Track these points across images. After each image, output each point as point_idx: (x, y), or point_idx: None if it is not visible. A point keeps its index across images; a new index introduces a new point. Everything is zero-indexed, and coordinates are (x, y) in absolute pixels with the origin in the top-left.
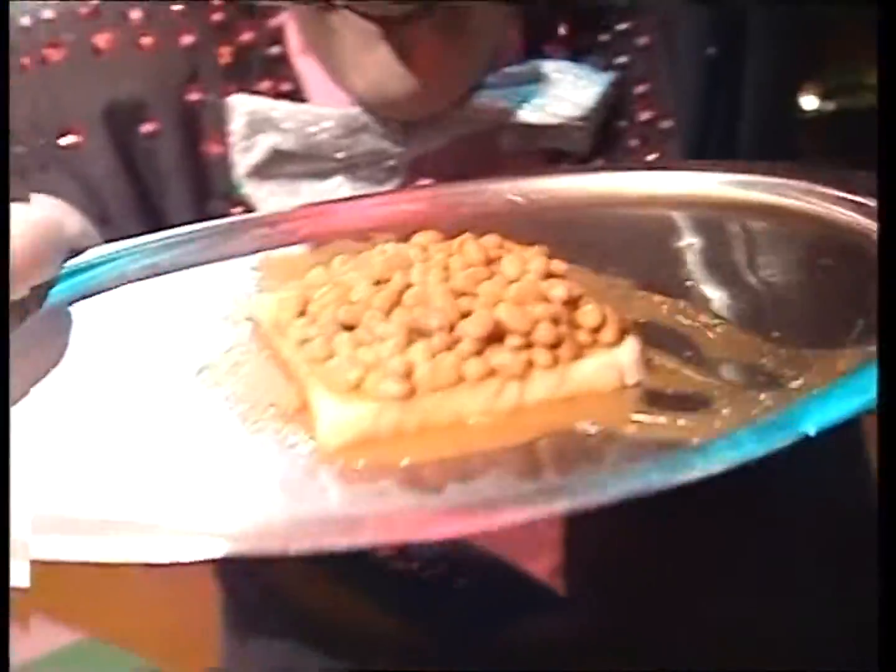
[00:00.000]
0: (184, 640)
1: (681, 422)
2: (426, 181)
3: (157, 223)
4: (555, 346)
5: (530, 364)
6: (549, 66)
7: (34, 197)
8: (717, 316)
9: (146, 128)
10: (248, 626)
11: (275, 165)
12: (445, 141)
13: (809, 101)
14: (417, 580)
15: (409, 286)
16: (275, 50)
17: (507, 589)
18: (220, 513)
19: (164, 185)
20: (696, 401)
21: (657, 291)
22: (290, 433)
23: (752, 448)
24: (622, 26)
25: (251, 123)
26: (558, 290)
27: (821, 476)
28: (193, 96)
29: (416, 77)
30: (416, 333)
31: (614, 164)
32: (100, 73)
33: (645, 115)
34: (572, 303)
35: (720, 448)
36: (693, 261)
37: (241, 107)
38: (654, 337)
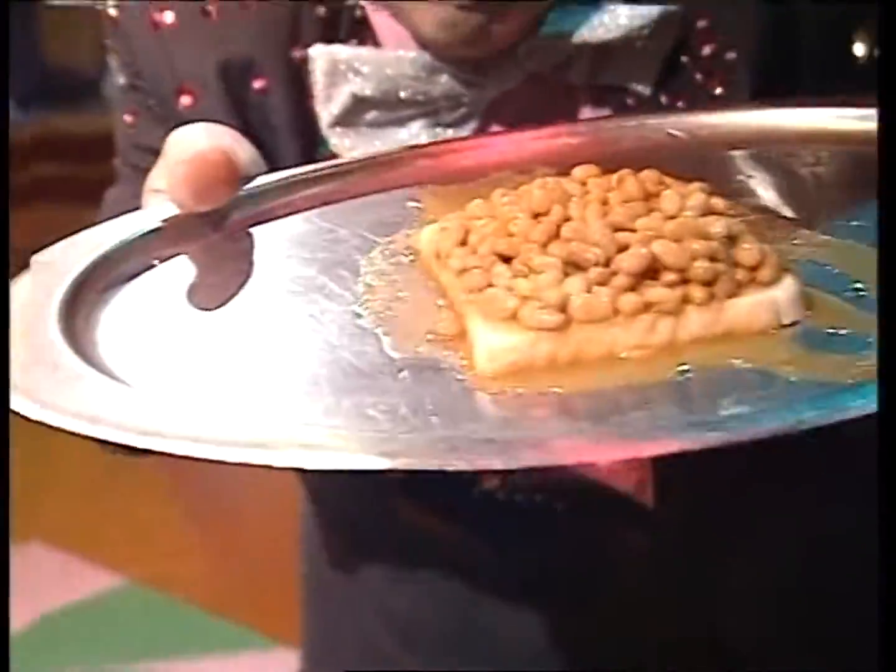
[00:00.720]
0: (224, 584)
1: (837, 360)
2: (500, 126)
3: None
4: (711, 283)
5: (685, 300)
6: None
7: (210, 126)
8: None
9: (257, 84)
10: (350, 552)
11: (355, 113)
12: (518, 80)
13: (860, 49)
14: (519, 508)
15: (567, 219)
16: (359, 12)
17: (601, 507)
18: (379, 431)
19: (277, 138)
20: (854, 340)
21: (820, 230)
22: (448, 359)
23: None
24: None
25: (331, 72)
26: (717, 226)
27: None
28: (298, 53)
29: (484, 12)
30: (572, 266)
31: (772, 100)
32: (210, 34)
33: (707, 50)
34: (731, 240)
35: (874, 389)
36: (851, 199)
37: (321, 56)
38: (814, 275)
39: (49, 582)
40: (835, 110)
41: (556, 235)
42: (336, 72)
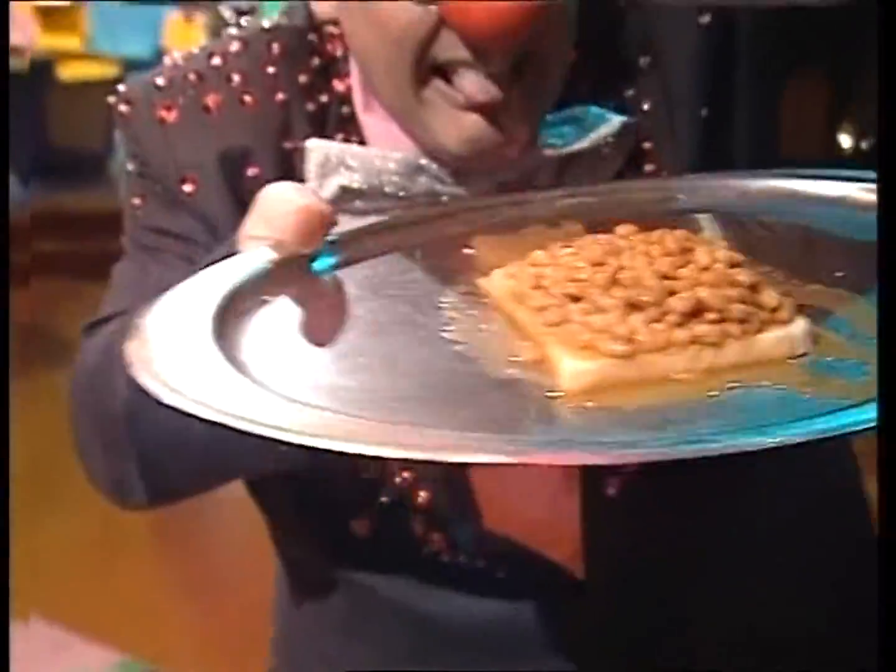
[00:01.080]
0: (221, 661)
1: (841, 384)
2: None
3: None
4: (743, 321)
5: (724, 334)
6: (580, 110)
7: (296, 184)
8: (866, 301)
9: (251, 172)
10: (311, 609)
11: (342, 202)
12: (490, 184)
13: (845, 140)
14: (462, 570)
15: (621, 268)
16: (345, 109)
17: (536, 574)
18: (482, 435)
19: None
20: (852, 368)
21: (816, 281)
22: (533, 379)
23: None
24: (629, 92)
25: (323, 163)
26: (743, 276)
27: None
28: (288, 145)
29: (505, 132)
30: (632, 307)
31: (773, 172)
32: (210, 129)
33: (649, 168)
34: (753, 287)
35: (873, 406)
36: (841, 254)
37: (316, 149)
38: (818, 317)
39: (48, 658)
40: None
41: (615, 282)
42: (328, 164)
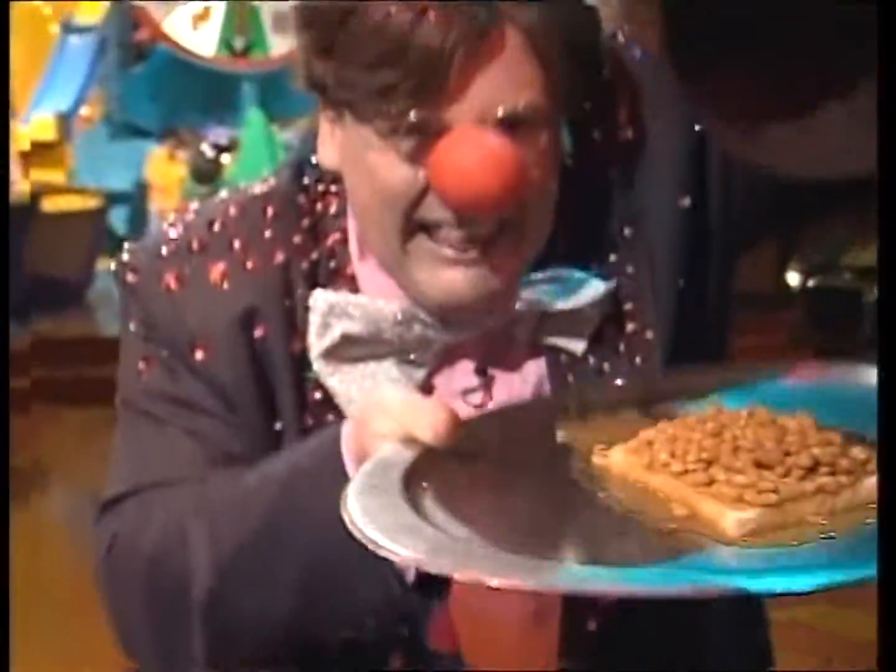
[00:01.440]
0: None
1: None
2: (455, 365)
3: (272, 412)
4: (849, 472)
5: (839, 484)
6: (565, 272)
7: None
8: None
9: (258, 332)
10: None
11: (342, 348)
12: (477, 333)
13: (793, 278)
14: None
15: (735, 437)
16: (332, 264)
17: None
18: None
19: (274, 369)
20: None
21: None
22: (696, 529)
23: None
24: (613, 257)
25: (328, 313)
26: (835, 435)
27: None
28: (289, 302)
29: (484, 288)
30: (761, 466)
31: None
32: (217, 295)
33: (630, 327)
34: (844, 445)
35: None
36: None
37: (321, 300)
38: None
39: None
40: None
41: (736, 448)
42: (331, 313)
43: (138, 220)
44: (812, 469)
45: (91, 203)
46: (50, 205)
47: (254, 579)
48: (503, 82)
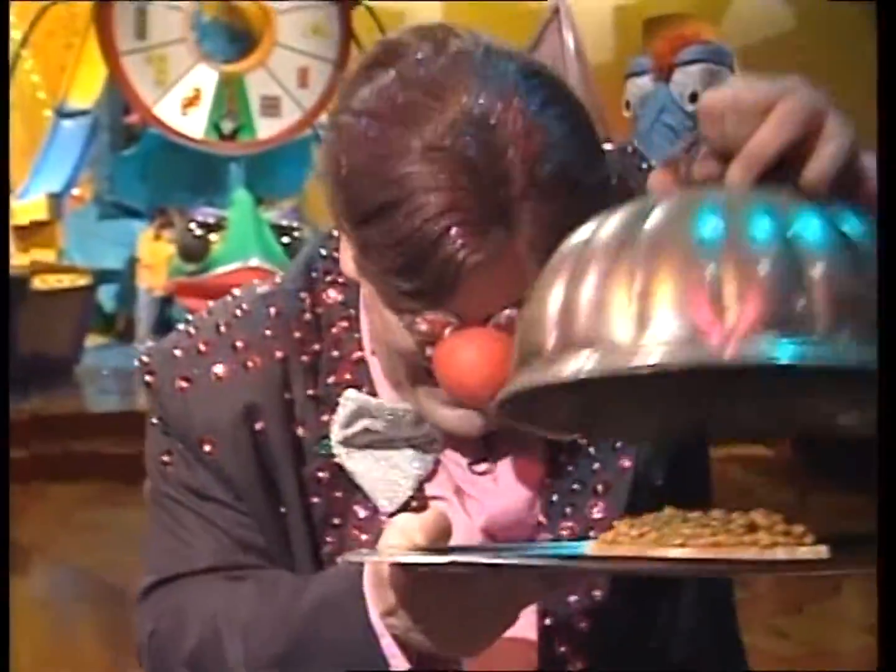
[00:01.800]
0: None
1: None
2: (458, 456)
3: (276, 498)
4: (787, 534)
5: (775, 543)
6: None
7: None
8: None
9: (259, 426)
10: None
11: (360, 438)
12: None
13: None
14: None
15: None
16: (335, 353)
17: None
18: None
19: (275, 461)
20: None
21: None
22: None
23: None
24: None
25: (356, 412)
26: (779, 515)
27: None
28: (288, 395)
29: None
30: (753, 525)
31: None
32: (221, 393)
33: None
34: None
35: None
36: None
37: (350, 400)
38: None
39: None
40: None
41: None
42: (358, 412)
43: (127, 297)
44: (751, 528)
45: (80, 281)
46: (40, 282)
47: None
48: (510, 288)
